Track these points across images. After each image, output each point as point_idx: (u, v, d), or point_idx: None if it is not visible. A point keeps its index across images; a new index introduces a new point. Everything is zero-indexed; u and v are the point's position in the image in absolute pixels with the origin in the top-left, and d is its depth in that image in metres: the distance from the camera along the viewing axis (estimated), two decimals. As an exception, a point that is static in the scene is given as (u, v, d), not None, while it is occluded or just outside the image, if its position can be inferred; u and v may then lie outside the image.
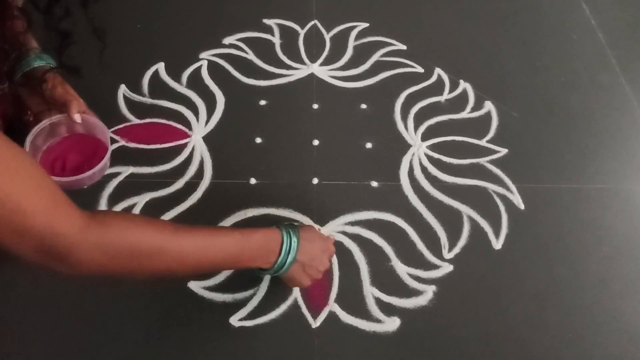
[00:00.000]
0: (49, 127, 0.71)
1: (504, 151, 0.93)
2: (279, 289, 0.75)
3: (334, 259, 0.77)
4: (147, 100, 0.95)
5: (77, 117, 0.70)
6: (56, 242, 0.44)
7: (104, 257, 0.48)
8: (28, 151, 0.68)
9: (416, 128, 0.95)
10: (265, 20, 1.11)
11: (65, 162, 0.73)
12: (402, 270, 0.78)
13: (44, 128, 0.70)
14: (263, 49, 1.06)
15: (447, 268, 0.78)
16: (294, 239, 0.64)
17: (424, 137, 0.94)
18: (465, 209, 0.85)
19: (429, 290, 0.76)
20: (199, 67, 1.01)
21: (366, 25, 1.12)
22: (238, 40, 1.07)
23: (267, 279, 0.75)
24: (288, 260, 0.64)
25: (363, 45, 1.08)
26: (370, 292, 0.75)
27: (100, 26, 0.61)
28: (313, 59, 1.05)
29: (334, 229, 0.81)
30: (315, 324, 0.72)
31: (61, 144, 0.75)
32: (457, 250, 0.80)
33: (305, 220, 0.81)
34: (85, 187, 0.69)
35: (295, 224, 0.69)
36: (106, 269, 0.49)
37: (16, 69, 0.68)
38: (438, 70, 1.04)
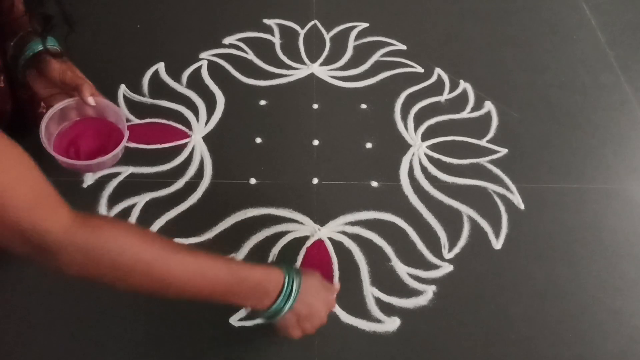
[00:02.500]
0: (60, 112, 0.71)
1: (504, 151, 0.93)
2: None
3: (334, 259, 0.77)
4: (147, 100, 0.95)
5: (91, 100, 0.70)
6: (41, 238, 0.43)
7: (87, 261, 0.46)
8: (43, 137, 0.68)
9: (416, 128, 0.95)
10: (265, 20, 1.11)
11: (79, 146, 0.73)
12: (402, 270, 0.78)
13: (55, 113, 0.70)
14: (263, 49, 1.06)
15: (447, 268, 0.78)
16: (295, 285, 0.58)
17: (424, 137, 0.94)
18: (465, 209, 0.85)
19: (429, 290, 0.76)
20: (199, 67, 1.01)
21: (366, 25, 1.12)
22: (238, 40, 1.07)
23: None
24: (285, 308, 0.58)
25: (363, 45, 1.08)
26: (370, 292, 0.75)
27: (69, 12, 0.62)
28: (313, 59, 1.05)
29: (334, 229, 0.81)
30: (315, 324, 0.72)
31: (73, 129, 0.75)
32: (457, 250, 0.80)
33: (305, 220, 0.82)
34: (104, 170, 0.68)
35: (298, 267, 0.63)
36: (88, 274, 0.47)
37: (20, 54, 0.67)
38: (438, 70, 1.04)
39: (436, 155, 0.91)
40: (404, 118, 0.96)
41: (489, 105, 0.99)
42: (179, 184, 0.85)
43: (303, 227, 0.81)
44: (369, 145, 0.92)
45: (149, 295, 0.51)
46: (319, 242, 0.79)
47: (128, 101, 0.95)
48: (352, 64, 1.05)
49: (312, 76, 1.02)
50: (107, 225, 0.49)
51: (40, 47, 0.67)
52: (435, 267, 0.78)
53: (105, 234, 0.47)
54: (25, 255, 0.45)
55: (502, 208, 0.85)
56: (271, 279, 0.58)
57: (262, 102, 0.97)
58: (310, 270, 0.65)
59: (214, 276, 0.54)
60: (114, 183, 0.84)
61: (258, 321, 0.72)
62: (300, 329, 0.62)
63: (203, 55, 1.04)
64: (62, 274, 0.46)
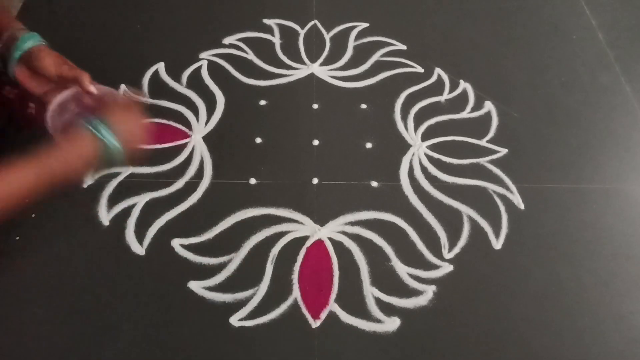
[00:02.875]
0: (58, 107, 0.71)
1: (504, 151, 0.93)
2: (279, 289, 0.75)
3: (334, 259, 0.78)
4: (147, 100, 0.95)
5: (93, 89, 0.70)
6: None
7: None
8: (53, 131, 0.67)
9: (416, 128, 0.95)
10: (265, 20, 1.11)
11: None
12: (402, 270, 0.78)
13: (55, 108, 0.70)
14: (263, 49, 1.06)
15: (447, 268, 0.78)
16: (102, 127, 0.60)
17: (424, 137, 0.94)
18: (465, 209, 0.85)
19: (429, 290, 0.76)
20: (199, 67, 1.01)
21: (366, 25, 1.12)
22: (238, 40, 1.07)
23: (267, 280, 0.75)
24: (112, 141, 0.60)
25: (363, 45, 1.08)
26: (370, 292, 0.75)
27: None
28: (313, 59, 1.05)
29: (334, 229, 0.81)
30: (315, 324, 0.72)
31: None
32: (457, 250, 0.80)
33: (305, 220, 0.82)
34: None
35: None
36: None
37: (8, 54, 0.67)
38: (438, 70, 1.04)
39: (436, 155, 0.91)
40: (404, 118, 0.96)
41: (489, 105, 0.99)
42: (179, 184, 0.85)
43: (303, 227, 0.81)
44: (369, 145, 0.92)
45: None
46: (319, 242, 0.79)
47: (128, 101, 0.95)
48: (352, 64, 1.05)
49: (312, 76, 1.02)
50: None
51: (30, 45, 0.68)
52: (435, 267, 0.78)
53: None
54: None
55: (502, 208, 0.85)
56: (79, 144, 0.60)
57: (262, 102, 0.97)
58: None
59: (30, 175, 0.57)
60: (114, 183, 0.84)
61: (258, 321, 0.72)
62: (134, 136, 0.65)
63: (203, 55, 1.04)
64: None
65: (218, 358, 0.69)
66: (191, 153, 0.89)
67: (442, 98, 1.00)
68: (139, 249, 0.77)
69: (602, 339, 0.73)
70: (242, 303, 0.73)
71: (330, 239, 0.80)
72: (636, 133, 0.98)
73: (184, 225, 0.80)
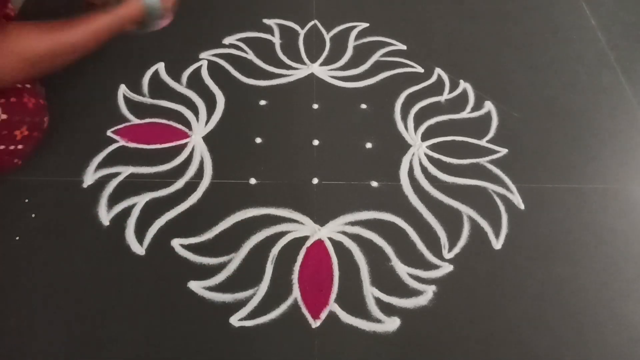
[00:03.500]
0: None
1: (504, 151, 0.93)
2: (279, 289, 0.75)
3: (334, 259, 0.78)
4: (147, 100, 0.95)
5: None
6: None
7: (14, 60, 0.62)
8: None
9: (416, 128, 0.95)
10: (265, 20, 1.11)
11: None
12: (402, 270, 0.78)
13: None
14: (263, 49, 1.06)
15: (447, 268, 0.78)
16: None
17: (424, 137, 0.94)
18: (465, 209, 0.85)
19: (429, 290, 0.76)
20: (199, 67, 1.01)
21: (366, 25, 1.12)
22: (238, 40, 1.07)
23: (267, 280, 0.75)
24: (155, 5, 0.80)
25: (363, 45, 1.08)
26: (370, 292, 0.75)
27: None
28: (313, 59, 1.05)
29: (334, 229, 0.81)
30: (315, 324, 0.72)
31: None
32: (457, 250, 0.80)
33: (305, 220, 0.82)
34: None
35: None
36: (20, 69, 0.64)
37: None
38: (438, 70, 1.04)
39: (436, 155, 0.91)
40: (404, 118, 0.96)
41: (489, 105, 0.99)
42: (179, 184, 0.85)
43: (303, 227, 0.81)
44: (369, 145, 0.92)
45: (74, 60, 0.73)
46: (319, 242, 0.79)
47: (128, 101, 0.95)
48: (352, 64, 1.05)
49: (312, 76, 1.02)
50: (16, 28, 0.65)
51: None
52: (435, 267, 0.78)
53: (18, 36, 0.64)
54: None
55: (502, 208, 0.85)
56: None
57: (262, 102, 0.97)
58: None
59: (105, 24, 0.75)
60: (114, 183, 0.84)
61: (258, 321, 0.72)
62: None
63: (203, 55, 1.04)
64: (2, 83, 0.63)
65: (218, 358, 0.69)
66: (191, 153, 0.89)
67: (442, 98, 1.00)
68: (139, 249, 0.77)
69: (602, 339, 0.73)
70: (242, 303, 0.73)
71: (330, 239, 0.80)
72: (636, 133, 0.98)
73: (184, 225, 0.80)
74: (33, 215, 0.80)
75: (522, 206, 0.86)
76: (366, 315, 0.73)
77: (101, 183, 0.84)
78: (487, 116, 0.98)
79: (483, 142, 0.94)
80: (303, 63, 1.04)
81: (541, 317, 0.75)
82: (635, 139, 0.97)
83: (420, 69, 1.05)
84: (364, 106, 0.98)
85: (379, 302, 0.74)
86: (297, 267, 0.77)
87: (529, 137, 0.95)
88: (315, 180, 0.87)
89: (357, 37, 1.10)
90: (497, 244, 0.81)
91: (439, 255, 0.79)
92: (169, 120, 0.93)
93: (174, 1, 0.87)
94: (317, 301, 0.74)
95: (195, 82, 0.99)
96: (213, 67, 1.02)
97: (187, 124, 0.92)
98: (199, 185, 0.85)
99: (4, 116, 0.74)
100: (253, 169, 0.88)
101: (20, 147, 0.79)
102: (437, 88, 1.02)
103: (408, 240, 0.81)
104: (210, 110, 0.95)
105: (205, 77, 1.00)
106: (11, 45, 0.63)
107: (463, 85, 1.02)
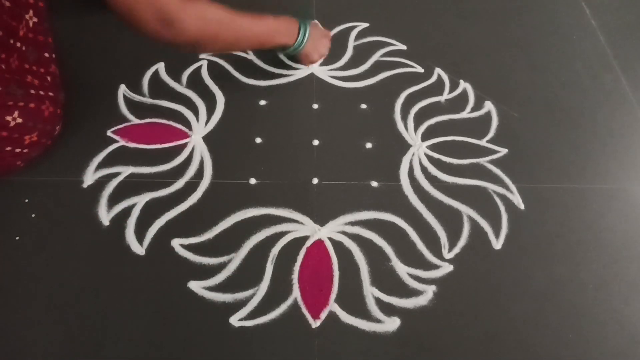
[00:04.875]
0: None
1: (504, 151, 0.93)
2: (279, 289, 0.75)
3: (334, 259, 0.78)
4: (147, 100, 0.95)
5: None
6: (167, 10, 0.66)
7: (200, 23, 0.71)
8: None
9: (416, 128, 0.95)
10: (265, 20, 1.11)
11: None
12: (402, 270, 0.78)
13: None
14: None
15: (447, 268, 0.78)
16: (306, 23, 0.90)
17: (424, 137, 0.94)
18: (465, 209, 0.85)
19: (429, 290, 0.76)
20: (199, 67, 1.01)
21: (366, 25, 1.12)
22: (238, 40, 1.07)
23: (267, 280, 0.75)
24: (306, 37, 0.90)
25: (363, 45, 1.08)
26: (370, 292, 0.75)
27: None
28: (313, 59, 1.05)
29: (334, 229, 0.81)
30: (315, 324, 0.72)
31: None
32: (457, 250, 0.80)
33: (305, 220, 0.82)
34: None
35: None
36: (201, 33, 0.72)
37: None
38: (438, 70, 1.04)
39: (436, 155, 0.91)
40: (404, 118, 0.96)
41: (489, 105, 0.99)
42: (179, 184, 0.85)
43: (303, 227, 0.81)
44: (369, 145, 0.92)
45: (231, 48, 0.88)
46: (319, 242, 0.79)
47: (128, 101, 0.95)
48: (352, 64, 1.05)
49: (312, 76, 1.02)
50: (205, 3, 0.73)
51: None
52: (435, 267, 0.78)
53: (205, 5, 0.73)
54: (154, 28, 0.68)
55: (502, 208, 0.85)
56: (291, 20, 0.88)
57: (262, 102, 0.97)
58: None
59: (266, 25, 0.84)
60: (114, 183, 0.84)
61: (258, 321, 0.72)
62: (317, 52, 0.97)
63: (203, 55, 1.04)
64: (182, 40, 0.71)
65: (218, 358, 0.69)
66: (191, 153, 0.89)
67: (442, 98, 1.00)
68: (139, 249, 0.77)
69: (602, 339, 0.73)
70: (242, 303, 0.73)
71: (330, 239, 0.80)
72: (636, 133, 0.98)
73: (184, 225, 0.80)
74: (33, 215, 0.80)
75: (522, 206, 0.86)
76: (366, 315, 0.73)
77: (101, 183, 0.84)
78: (487, 116, 0.98)
79: (483, 142, 0.94)
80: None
81: (541, 317, 0.75)
82: (635, 139, 0.97)
83: (420, 69, 1.05)
84: (364, 106, 0.98)
85: (379, 302, 0.74)
86: (297, 267, 0.77)
87: (529, 137, 0.95)
88: (315, 180, 0.87)
89: (357, 37, 1.10)
90: (497, 244, 0.81)
91: (439, 255, 0.79)
92: (169, 120, 0.93)
93: (328, 46, 1.00)
94: (317, 301, 0.74)
95: (195, 82, 0.99)
96: (213, 67, 1.02)
97: (187, 124, 0.92)
98: (199, 185, 0.85)
99: (20, 120, 0.74)
100: (253, 169, 0.88)
101: (25, 151, 0.79)
102: (437, 88, 1.02)
103: (408, 240, 0.81)
104: (210, 110, 0.95)
105: (205, 77, 1.00)
106: (199, 8, 0.72)
107: (463, 85, 1.02)
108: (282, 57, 1.02)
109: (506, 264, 0.79)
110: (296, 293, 0.74)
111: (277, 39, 0.87)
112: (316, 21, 1.00)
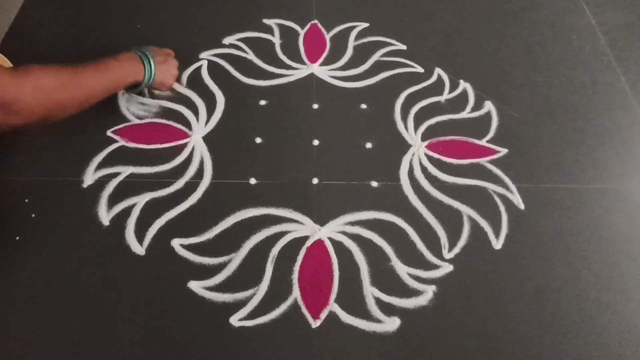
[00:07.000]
0: None
1: (504, 151, 0.93)
2: (279, 289, 0.75)
3: (334, 259, 0.78)
4: (147, 100, 0.95)
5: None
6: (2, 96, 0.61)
7: (40, 94, 0.66)
8: None
9: (416, 128, 0.95)
10: (265, 20, 1.11)
11: None
12: (402, 270, 0.78)
13: None
14: (263, 49, 1.06)
15: (447, 268, 0.78)
16: (145, 51, 0.87)
17: (424, 137, 0.94)
18: (465, 209, 0.85)
19: (429, 290, 0.76)
20: (199, 67, 1.01)
21: (366, 25, 1.12)
22: (238, 40, 1.07)
23: (267, 280, 0.75)
24: (152, 66, 0.87)
25: (363, 45, 1.08)
26: (370, 292, 0.75)
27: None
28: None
29: (334, 229, 0.81)
30: (315, 324, 0.72)
31: None
32: (457, 250, 0.80)
33: (305, 220, 0.82)
34: None
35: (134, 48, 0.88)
36: (45, 104, 0.67)
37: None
38: (438, 70, 1.04)
39: (436, 155, 0.91)
40: (404, 118, 0.96)
41: (489, 105, 0.99)
42: (179, 184, 0.85)
43: (303, 227, 0.81)
44: (369, 145, 0.92)
45: (84, 107, 0.78)
46: (319, 242, 0.79)
47: (128, 101, 0.95)
48: (352, 64, 1.05)
49: (312, 76, 1.02)
50: (33, 68, 0.68)
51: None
52: (435, 267, 0.78)
53: (42, 74, 0.68)
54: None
55: (502, 208, 0.85)
56: (132, 57, 0.86)
57: (262, 102, 0.97)
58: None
59: (112, 67, 0.81)
60: (114, 183, 0.84)
61: (258, 321, 0.72)
62: (169, 74, 0.93)
63: (203, 55, 1.04)
64: (27, 116, 0.66)
65: (218, 358, 0.69)
66: (191, 153, 0.89)
67: (442, 98, 1.00)
68: (139, 249, 0.77)
69: (602, 340, 0.73)
70: (242, 303, 0.73)
71: (330, 239, 0.80)
72: (636, 133, 0.98)
73: (184, 225, 0.80)
74: (33, 215, 0.80)
75: (522, 206, 0.86)
76: (366, 315, 0.73)
77: (101, 183, 0.84)
78: (487, 116, 0.98)
79: (483, 142, 0.94)
80: (303, 63, 1.04)
81: (541, 317, 0.75)
82: (635, 139, 0.97)
83: (420, 69, 1.05)
84: (364, 106, 0.98)
85: (379, 302, 0.74)
86: (297, 267, 0.77)
87: (529, 137, 0.95)
88: (315, 180, 0.87)
89: (357, 37, 1.10)
90: (497, 244, 0.81)
91: (439, 255, 0.79)
92: (169, 120, 0.93)
93: (176, 65, 0.95)
94: (317, 301, 0.74)
95: (195, 82, 0.99)
96: (213, 67, 1.02)
97: (187, 124, 0.92)
98: (199, 185, 0.85)
99: None
100: (253, 169, 0.88)
101: None
102: (437, 88, 1.02)
103: (408, 240, 0.81)
104: (210, 110, 0.95)
105: (205, 77, 1.00)
106: (33, 79, 0.67)
107: (463, 85, 1.02)
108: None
109: (506, 264, 0.79)
110: (296, 293, 0.74)
111: (126, 80, 0.84)
112: (152, 46, 0.92)
